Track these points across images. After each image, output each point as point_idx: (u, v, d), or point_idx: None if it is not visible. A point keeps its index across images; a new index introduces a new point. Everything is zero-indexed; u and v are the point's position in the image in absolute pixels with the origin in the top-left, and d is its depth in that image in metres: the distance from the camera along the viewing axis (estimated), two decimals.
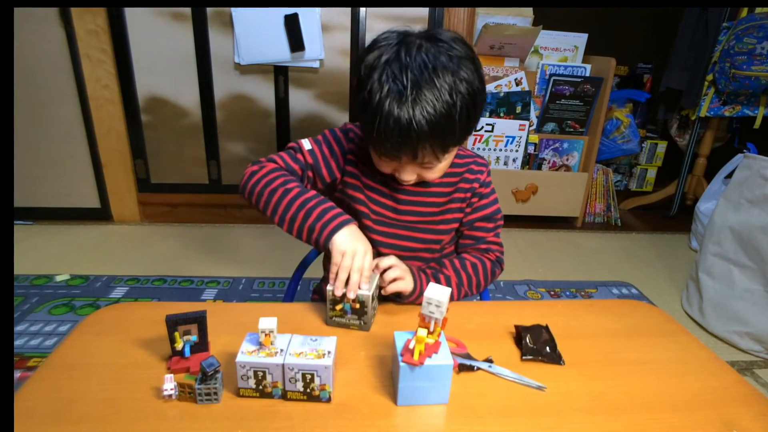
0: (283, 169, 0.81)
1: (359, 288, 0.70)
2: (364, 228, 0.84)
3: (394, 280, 0.75)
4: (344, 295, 0.70)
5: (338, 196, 0.87)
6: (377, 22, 2.15)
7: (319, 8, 2.06)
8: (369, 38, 2.15)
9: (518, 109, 2.40)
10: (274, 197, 0.76)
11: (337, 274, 0.70)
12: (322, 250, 0.75)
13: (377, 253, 0.85)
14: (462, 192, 0.86)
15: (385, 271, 0.75)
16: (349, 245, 0.72)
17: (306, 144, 0.85)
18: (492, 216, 0.89)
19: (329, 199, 0.77)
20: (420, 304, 0.58)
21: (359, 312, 0.71)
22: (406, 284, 0.75)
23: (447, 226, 0.87)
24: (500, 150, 2.44)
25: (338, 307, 0.71)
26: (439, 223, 0.87)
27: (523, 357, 0.68)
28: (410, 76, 0.64)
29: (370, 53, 0.69)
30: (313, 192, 0.77)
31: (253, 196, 0.78)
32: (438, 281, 0.80)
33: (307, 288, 1.79)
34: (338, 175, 0.85)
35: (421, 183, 0.83)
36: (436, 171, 0.78)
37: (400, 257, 0.83)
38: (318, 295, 1.03)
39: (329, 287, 0.71)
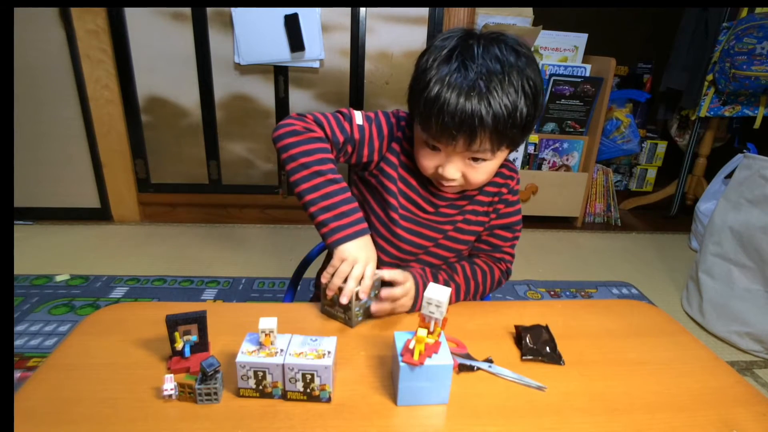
0: (327, 141, 0.79)
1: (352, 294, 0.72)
2: (391, 220, 0.83)
3: (396, 299, 0.75)
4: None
5: (372, 181, 0.85)
6: (377, 22, 2.15)
7: (319, 8, 2.06)
8: (369, 38, 2.16)
9: None
10: (304, 170, 0.74)
11: (332, 277, 0.72)
12: (328, 247, 0.75)
13: (397, 247, 0.85)
14: (487, 195, 0.85)
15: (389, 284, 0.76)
16: (352, 254, 0.72)
17: (358, 118, 0.82)
18: (512, 226, 0.88)
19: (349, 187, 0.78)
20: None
21: (344, 307, 0.72)
22: (404, 307, 0.76)
23: (472, 227, 0.86)
24: None
25: (329, 296, 0.74)
26: (464, 223, 0.85)
27: (523, 357, 0.68)
28: (480, 62, 0.66)
29: (434, 43, 0.71)
30: (343, 184, 0.76)
31: (285, 153, 0.76)
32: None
33: (307, 288, 1.79)
34: (376, 158, 0.83)
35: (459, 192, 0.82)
36: (482, 172, 0.76)
37: (419, 253, 0.85)
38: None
39: (323, 277, 0.74)
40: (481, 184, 0.80)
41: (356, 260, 0.72)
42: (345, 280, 0.71)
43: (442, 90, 0.66)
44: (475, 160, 0.73)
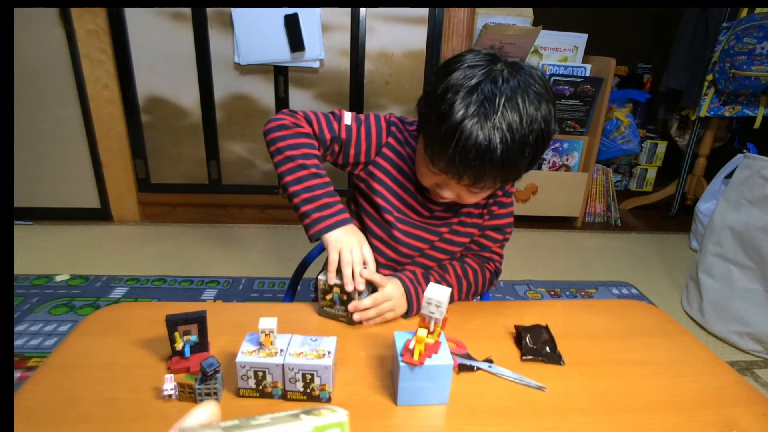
0: (314, 137, 0.80)
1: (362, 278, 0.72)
2: (387, 223, 0.83)
3: (378, 303, 0.74)
4: (332, 286, 0.72)
5: (362, 185, 0.85)
6: (377, 22, 2.15)
7: (319, 8, 2.06)
8: (369, 38, 2.16)
9: None
10: (290, 163, 0.76)
11: (339, 269, 0.72)
12: (309, 238, 0.76)
13: (395, 250, 0.85)
14: (483, 198, 0.85)
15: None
16: (345, 241, 0.73)
17: (347, 118, 0.83)
18: (503, 227, 0.89)
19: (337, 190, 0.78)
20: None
21: (347, 303, 0.72)
22: (391, 312, 0.76)
23: (467, 229, 0.87)
24: None
25: (328, 297, 0.73)
26: (459, 225, 0.86)
27: (523, 357, 0.68)
28: (501, 102, 0.64)
29: (457, 71, 0.67)
30: (326, 179, 0.77)
31: (272, 146, 0.78)
32: None
33: (307, 288, 1.79)
34: (363, 160, 0.84)
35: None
36: (477, 198, 0.77)
37: (416, 255, 0.85)
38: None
39: (320, 277, 0.73)
40: (474, 203, 0.81)
41: (352, 246, 0.73)
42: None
43: (456, 132, 0.64)
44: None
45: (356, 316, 0.73)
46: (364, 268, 0.73)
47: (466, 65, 0.67)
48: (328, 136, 0.81)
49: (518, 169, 0.70)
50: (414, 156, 0.82)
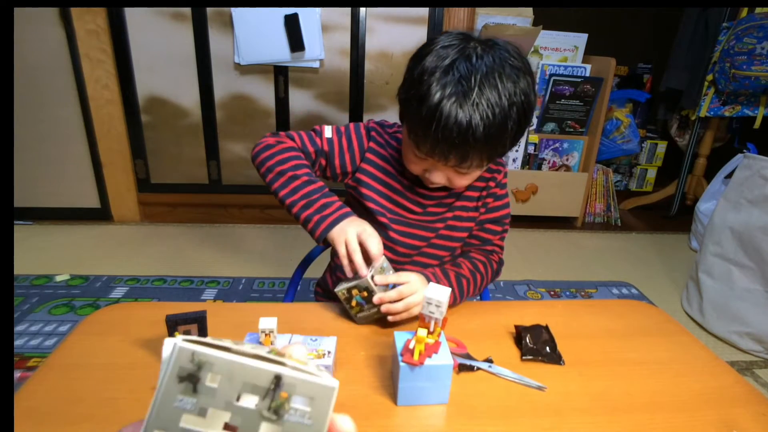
0: (299, 150, 0.81)
1: (372, 266, 0.71)
2: (382, 225, 0.84)
3: (404, 296, 0.72)
4: (350, 289, 0.70)
5: (352, 192, 0.87)
6: (377, 22, 2.15)
7: (319, 8, 2.06)
8: (369, 38, 2.17)
9: None
10: (281, 178, 0.77)
11: (350, 260, 0.70)
12: (317, 242, 0.76)
13: (392, 250, 0.85)
14: (476, 191, 0.86)
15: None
16: (348, 231, 0.72)
17: (327, 131, 0.85)
18: (501, 219, 0.89)
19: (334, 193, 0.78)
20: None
21: (369, 299, 0.70)
22: (418, 306, 0.73)
23: (463, 223, 0.87)
24: None
25: (353, 303, 0.71)
26: (455, 220, 0.86)
27: (523, 357, 0.68)
28: (477, 79, 0.64)
29: (431, 53, 0.68)
30: (320, 183, 0.77)
31: (262, 168, 0.79)
32: (460, 284, 0.80)
33: (307, 288, 1.79)
34: (350, 169, 0.85)
35: (444, 187, 0.82)
36: (467, 179, 0.77)
37: (413, 254, 0.85)
38: (321, 288, 1.03)
39: (337, 289, 0.71)
40: (465, 187, 0.82)
41: (357, 231, 0.71)
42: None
43: (436, 113, 0.64)
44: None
45: (384, 308, 0.70)
46: (374, 254, 0.71)
47: (439, 46, 0.68)
48: (311, 149, 0.83)
49: (503, 144, 0.70)
50: (397, 156, 0.84)
